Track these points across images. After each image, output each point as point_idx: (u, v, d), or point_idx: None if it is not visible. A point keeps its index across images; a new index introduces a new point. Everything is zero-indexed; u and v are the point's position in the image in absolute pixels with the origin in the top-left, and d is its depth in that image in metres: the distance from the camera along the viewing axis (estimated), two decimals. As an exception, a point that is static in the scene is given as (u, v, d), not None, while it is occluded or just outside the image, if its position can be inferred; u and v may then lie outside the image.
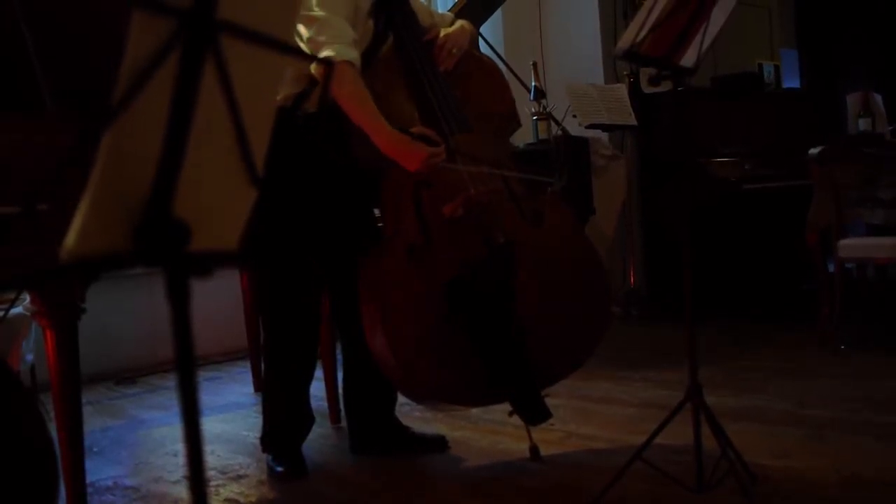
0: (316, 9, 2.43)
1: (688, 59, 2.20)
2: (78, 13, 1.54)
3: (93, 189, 0.81)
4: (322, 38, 2.41)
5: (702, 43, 2.14)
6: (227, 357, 4.91)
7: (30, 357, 3.33)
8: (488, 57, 2.98)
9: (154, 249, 0.80)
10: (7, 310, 2.89)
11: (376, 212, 2.83)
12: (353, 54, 2.44)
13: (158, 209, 0.81)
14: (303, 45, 2.42)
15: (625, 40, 2.06)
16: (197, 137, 0.86)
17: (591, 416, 3.14)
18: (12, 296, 2.84)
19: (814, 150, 3.95)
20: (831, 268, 4.00)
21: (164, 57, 0.80)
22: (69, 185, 0.87)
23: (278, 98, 2.12)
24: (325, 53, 2.37)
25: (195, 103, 0.84)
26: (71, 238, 0.80)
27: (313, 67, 2.43)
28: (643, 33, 2.02)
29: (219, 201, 0.93)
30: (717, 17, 2.16)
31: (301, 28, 2.43)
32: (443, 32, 2.73)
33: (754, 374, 3.59)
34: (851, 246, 3.86)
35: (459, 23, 2.82)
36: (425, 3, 3.26)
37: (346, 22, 2.47)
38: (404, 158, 2.46)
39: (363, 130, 2.45)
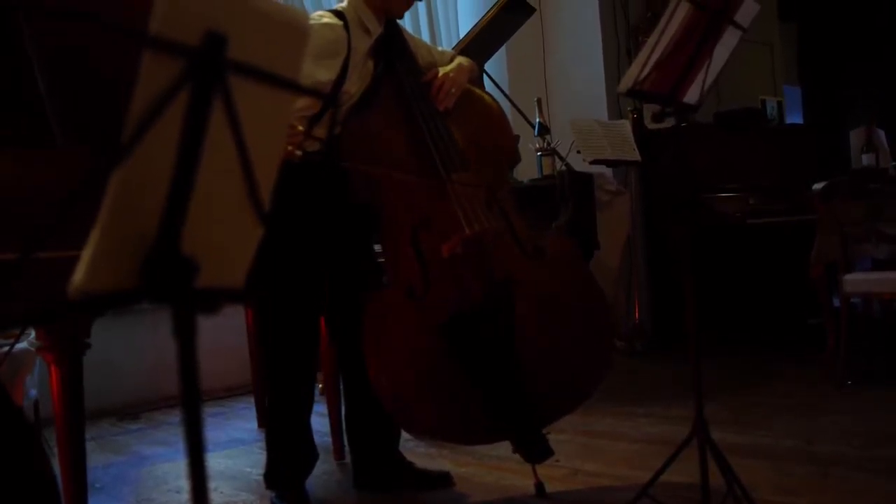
0: None
1: (691, 95, 2.22)
2: (89, 52, 1.57)
3: (101, 225, 0.82)
4: None
5: (705, 80, 2.16)
6: (231, 392, 4.90)
7: (33, 392, 3.32)
8: (489, 94, 2.99)
9: (162, 286, 0.81)
10: (12, 344, 2.89)
11: (377, 248, 2.84)
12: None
13: (166, 246, 0.82)
14: None
15: (628, 78, 2.08)
16: (205, 175, 0.87)
17: (597, 452, 3.12)
18: (18, 331, 2.84)
19: (817, 186, 3.96)
20: (837, 302, 3.99)
21: (174, 96, 0.81)
22: (77, 221, 0.88)
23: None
24: None
25: (203, 141, 0.85)
26: (79, 274, 0.81)
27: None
28: (646, 71, 2.04)
29: (226, 238, 0.94)
30: (720, 55, 2.18)
31: None
32: (441, 71, 2.74)
33: (760, 409, 3.57)
34: (856, 281, 3.86)
35: (458, 60, 2.83)
36: (427, 41, 3.30)
37: (316, 61, 2.47)
38: None
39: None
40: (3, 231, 1.27)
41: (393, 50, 2.71)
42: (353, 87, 2.62)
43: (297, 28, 1.01)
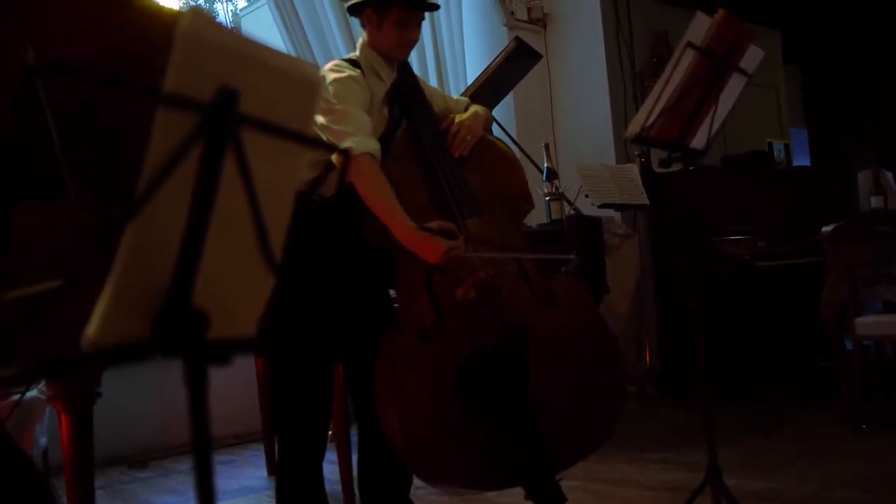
0: (334, 100, 2.48)
1: (698, 141, 2.23)
2: (102, 106, 1.59)
3: (114, 278, 0.82)
4: (342, 128, 2.45)
5: (711, 126, 2.18)
6: (241, 440, 4.87)
7: (43, 440, 3.31)
8: (502, 141, 3.02)
9: (174, 339, 0.81)
10: (23, 393, 2.89)
11: (392, 293, 2.84)
12: (374, 145, 2.48)
13: (178, 299, 0.82)
14: (318, 131, 2.47)
15: (635, 124, 2.10)
16: (217, 227, 0.88)
17: (610, 499, 3.09)
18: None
19: (826, 228, 3.96)
20: (849, 345, 3.96)
21: (187, 150, 0.83)
22: (91, 274, 0.89)
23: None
24: (345, 144, 2.42)
25: (216, 195, 0.86)
26: (92, 327, 0.82)
27: (334, 156, 2.46)
28: (653, 118, 2.06)
29: (237, 289, 0.95)
30: (726, 101, 2.19)
31: (319, 117, 2.49)
32: (457, 119, 2.77)
33: (774, 454, 3.53)
34: (868, 324, 3.83)
35: (473, 108, 2.86)
36: (439, 89, 3.34)
37: (364, 112, 2.53)
38: (424, 252, 2.48)
39: (382, 221, 2.48)
40: (25, 279, 1.29)
41: (409, 97, 2.74)
42: None
43: (308, 82, 1.03)
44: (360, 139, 2.46)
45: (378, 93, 2.66)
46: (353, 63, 2.65)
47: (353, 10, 2.70)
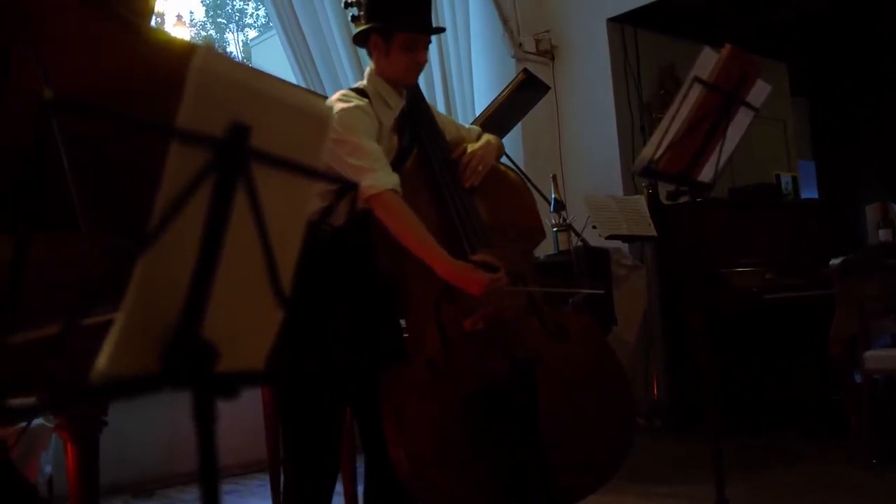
0: (341, 129, 2.47)
1: (705, 174, 2.24)
2: (114, 139, 1.61)
3: (125, 311, 0.83)
4: (360, 163, 2.44)
5: (718, 159, 2.19)
6: (246, 469, 4.84)
7: (48, 468, 3.30)
8: (514, 171, 3.00)
9: (183, 372, 0.82)
10: (29, 421, 2.89)
11: (402, 322, 2.83)
12: (395, 179, 2.47)
13: (188, 332, 0.83)
14: (329, 162, 2.46)
15: (642, 158, 2.11)
16: (227, 261, 0.88)
17: (617, 533, 3.06)
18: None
19: (835, 262, 3.95)
20: (858, 378, 3.93)
21: (199, 185, 0.84)
22: (102, 304, 0.89)
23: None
24: (367, 181, 2.41)
25: (226, 228, 0.87)
26: (103, 359, 0.82)
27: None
28: (660, 151, 2.07)
29: (247, 322, 0.95)
30: (734, 135, 2.20)
31: (331, 145, 2.47)
32: (469, 148, 2.76)
33: (784, 490, 3.50)
34: (877, 357, 3.81)
35: (486, 137, 2.85)
36: (451, 117, 3.33)
37: (374, 143, 2.52)
38: (466, 285, 2.47)
39: (419, 257, 2.47)
40: (34, 315, 1.29)
41: (418, 124, 2.73)
42: None
43: (318, 117, 1.04)
44: (381, 175, 2.44)
45: (387, 121, 2.65)
46: (361, 92, 2.64)
47: (359, 39, 2.70)
